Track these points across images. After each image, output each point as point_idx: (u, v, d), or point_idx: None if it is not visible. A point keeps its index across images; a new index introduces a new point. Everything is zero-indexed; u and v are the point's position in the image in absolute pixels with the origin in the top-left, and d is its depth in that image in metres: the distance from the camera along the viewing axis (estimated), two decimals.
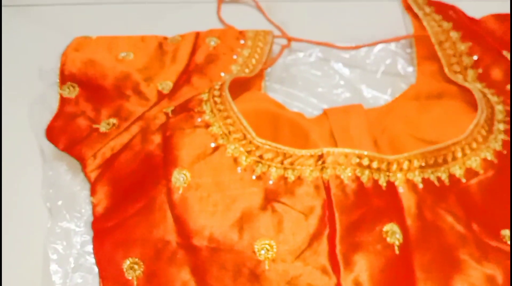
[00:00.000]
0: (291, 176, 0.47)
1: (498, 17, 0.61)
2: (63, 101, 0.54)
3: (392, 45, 0.61)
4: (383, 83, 0.59)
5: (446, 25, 0.60)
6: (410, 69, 0.60)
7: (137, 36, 0.59)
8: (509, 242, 0.45)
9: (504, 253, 0.45)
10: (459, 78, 0.56)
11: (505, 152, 0.50)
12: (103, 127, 0.52)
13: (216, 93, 0.52)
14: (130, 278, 0.44)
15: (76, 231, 0.49)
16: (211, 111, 0.51)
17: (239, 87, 0.55)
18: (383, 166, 0.47)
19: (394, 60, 0.61)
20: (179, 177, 0.47)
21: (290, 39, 0.62)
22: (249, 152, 0.48)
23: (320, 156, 0.47)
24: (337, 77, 0.60)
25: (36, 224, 0.50)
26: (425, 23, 0.60)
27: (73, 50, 0.57)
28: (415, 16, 0.61)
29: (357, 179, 0.47)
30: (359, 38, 0.62)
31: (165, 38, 0.59)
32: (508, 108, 0.53)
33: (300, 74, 0.60)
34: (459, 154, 0.49)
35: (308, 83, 0.60)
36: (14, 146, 0.55)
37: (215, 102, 0.51)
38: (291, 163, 0.47)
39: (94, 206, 0.48)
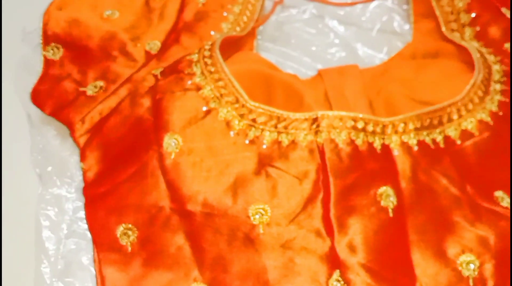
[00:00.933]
0: (285, 140, 0.49)
1: None
2: (48, 63, 0.55)
3: (389, 2, 0.62)
4: (378, 42, 0.60)
5: None
6: (407, 26, 0.61)
7: None
8: (502, 204, 0.47)
9: (497, 215, 0.47)
10: (456, 37, 0.57)
11: (501, 113, 0.52)
12: (90, 90, 0.53)
13: (207, 53, 0.53)
14: (124, 243, 0.47)
15: (68, 197, 0.51)
16: (202, 73, 0.52)
17: (230, 46, 0.56)
18: (378, 128, 0.49)
19: (390, 17, 0.62)
20: (171, 142, 0.49)
21: None
22: (241, 116, 0.50)
23: (315, 120, 0.49)
24: (331, 35, 0.61)
25: (26, 190, 0.52)
26: None
27: (56, 9, 0.57)
28: None
29: (352, 142, 0.49)
30: None
31: None
32: (506, 68, 0.55)
33: (294, 32, 0.61)
34: (454, 116, 0.51)
35: (302, 42, 0.60)
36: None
37: (206, 63, 0.52)
38: (285, 127, 0.49)
39: (84, 172, 0.50)
